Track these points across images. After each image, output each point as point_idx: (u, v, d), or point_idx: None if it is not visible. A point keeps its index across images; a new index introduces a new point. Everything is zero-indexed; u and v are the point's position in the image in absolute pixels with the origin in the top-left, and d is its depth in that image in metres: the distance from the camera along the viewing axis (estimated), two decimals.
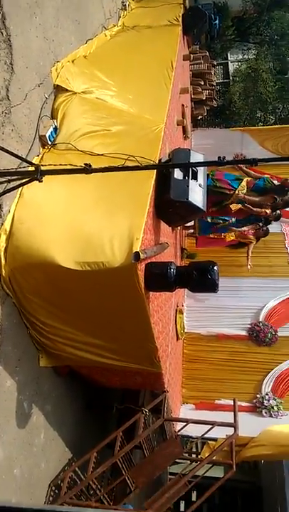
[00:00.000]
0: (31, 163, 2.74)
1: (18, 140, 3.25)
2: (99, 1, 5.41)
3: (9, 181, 2.66)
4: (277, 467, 8.68)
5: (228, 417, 4.50)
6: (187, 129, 7.19)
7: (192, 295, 6.75)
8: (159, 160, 3.84)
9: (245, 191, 6.15)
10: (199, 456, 4.87)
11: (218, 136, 9.54)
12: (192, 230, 7.06)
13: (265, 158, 2.59)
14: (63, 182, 3.15)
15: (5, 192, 2.69)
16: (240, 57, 14.35)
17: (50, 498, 3.61)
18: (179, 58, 5.77)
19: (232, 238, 6.49)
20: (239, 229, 6.45)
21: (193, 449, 5.64)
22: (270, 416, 5.70)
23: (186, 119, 7.12)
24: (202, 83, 9.08)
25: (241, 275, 7.26)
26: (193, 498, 7.89)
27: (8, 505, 1.19)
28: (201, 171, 4.00)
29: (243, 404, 5.70)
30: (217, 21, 9.90)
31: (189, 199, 3.76)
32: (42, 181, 2.30)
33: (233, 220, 6.41)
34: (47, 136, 3.57)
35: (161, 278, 3.25)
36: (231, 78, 14.21)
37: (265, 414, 5.71)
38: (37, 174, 2.28)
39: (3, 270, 3.05)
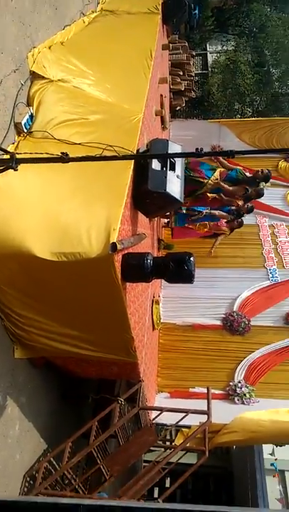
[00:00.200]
0: (6, 151, 2.67)
1: None
2: None
3: None
4: (248, 452, 8.98)
5: (202, 404, 4.60)
6: (165, 119, 7.16)
7: (168, 285, 6.80)
8: (137, 150, 3.81)
9: (217, 181, 6.24)
10: (173, 444, 4.96)
11: (196, 127, 9.55)
12: (167, 220, 7.09)
13: (242, 150, 2.63)
14: (39, 171, 3.09)
15: None
16: (219, 48, 14.35)
17: (25, 489, 3.61)
18: (158, 48, 5.72)
19: (206, 229, 6.57)
20: (213, 220, 6.53)
21: (168, 437, 5.74)
22: (243, 403, 5.85)
23: (165, 110, 7.09)
24: (181, 74, 9.05)
25: (216, 266, 7.38)
26: (167, 485, 8.06)
27: None
28: (178, 162, 4.01)
29: (217, 392, 5.82)
30: (197, 11, 9.84)
31: (167, 190, 3.77)
32: (17, 170, 2.25)
33: (207, 211, 6.46)
34: (22, 123, 3.48)
35: (138, 269, 3.26)
36: (210, 69, 14.21)
37: (237, 402, 5.85)
38: (12, 162, 2.23)
39: None
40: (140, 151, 3.88)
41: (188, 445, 4.41)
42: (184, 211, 6.43)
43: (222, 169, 6.34)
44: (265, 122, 9.45)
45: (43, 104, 3.69)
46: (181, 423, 4.39)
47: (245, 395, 5.90)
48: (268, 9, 13.38)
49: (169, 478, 7.28)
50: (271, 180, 8.12)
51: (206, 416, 4.36)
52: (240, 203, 6.25)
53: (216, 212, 6.30)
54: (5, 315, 3.28)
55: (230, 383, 6.04)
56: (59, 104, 3.78)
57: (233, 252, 7.65)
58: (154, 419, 4.67)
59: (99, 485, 4.02)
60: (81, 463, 4.11)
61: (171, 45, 8.19)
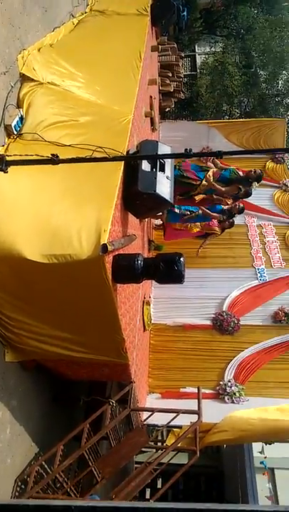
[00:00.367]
0: None
1: None
2: None
3: None
4: (239, 451, 9.05)
5: (193, 404, 4.62)
6: (155, 120, 7.19)
7: (159, 286, 6.83)
8: (127, 151, 3.82)
9: (212, 180, 6.30)
10: (165, 444, 4.98)
11: (186, 128, 9.61)
12: (159, 220, 7.11)
13: (230, 151, 2.66)
14: (30, 173, 3.08)
15: None
16: (208, 49, 14.44)
17: (17, 494, 3.58)
18: (147, 49, 5.74)
19: (198, 229, 6.62)
20: (205, 220, 6.58)
21: (159, 437, 5.75)
22: (232, 402, 5.89)
23: (154, 111, 7.11)
24: (170, 75, 9.08)
25: (206, 266, 7.43)
26: (159, 485, 8.08)
27: None
28: (168, 163, 4.02)
29: (207, 391, 5.85)
30: (185, 13, 9.88)
31: (157, 191, 3.78)
32: (7, 172, 2.24)
33: (200, 212, 6.51)
34: (12, 125, 3.46)
35: (128, 270, 3.26)
36: (199, 71, 14.29)
37: (227, 401, 5.89)
38: (2, 165, 2.22)
39: None
40: (130, 152, 3.89)
41: (179, 445, 4.43)
42: (177, 211, 6.46)
43: (215, 169, 6.40)
44: (252, 123, 9.56)
45: (32, 106, 3.67)
46: (172, 423, 4.41)
47: (234, 393, 5.95)
48: (255, 11, 13.53)
49: (160, 479, 7.30)
50: None
51: (196, 416, 4.39)
52: (230, 201, 6.32)
53: (210, 212, 6.35)
54: None
55: (221, 382, 6.08)
56: (49, 106, 3.77)
57: (223, 252, 7.71)
58: (145, 420, 4.68)
59: (91, 487, 4.01)
60: (73, 466, 4.10)
61: (160, 46, 8.21)
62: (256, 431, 5.15)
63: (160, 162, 3.88)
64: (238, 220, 7.29)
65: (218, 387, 6.06)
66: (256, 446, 8.85)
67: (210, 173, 6.26)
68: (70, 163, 2.53)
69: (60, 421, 4.59)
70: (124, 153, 3.68)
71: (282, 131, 9.41)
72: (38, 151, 2.76)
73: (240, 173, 6.34)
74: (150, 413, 4.58)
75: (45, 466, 3.80)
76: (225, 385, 6.03)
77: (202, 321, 6.80)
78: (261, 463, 8.83)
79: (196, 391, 4.85)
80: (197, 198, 6.42)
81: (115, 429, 4.26)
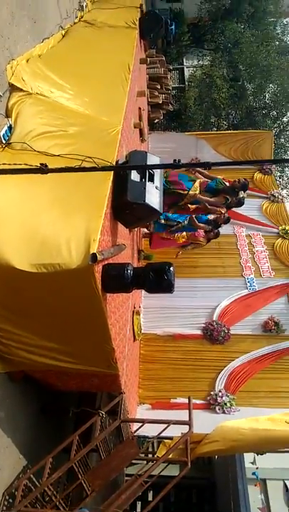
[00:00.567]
0: None
1: None
2: (55, 0, 5.34)
3: None
4: (230, 462, 8.99)
5: (183, 415, 4.59)
6: (144, 131, 7.26)
7: (149, 296, 6.82)
8: (116, 162, 3.85)
9: (198, 192, 6.37)
10: (155, 456, 4.92)
11: (174, 139, 9.74)
12: (147, 230, 7.14)
13: (218, 162, 2.70)
14: (18, 182, 3.07)
15: None
16: (196, 62, 14.71)
17: (4, 508, 3.49)
18: (135, 61, 5.83)
19: (184, 240, 6.65)
20: (191, 231, 6.63)
21: (150, 449, 5.68)
22: (223, 412, 5.86)
23: (143, 122, 7.19)
24: (158, 87, 9.23)
25: (196, 276, 7.46)
26: (150, 498, 7.96)
27: None
28: (157, 174, 4.06)
29: (198, 401, 5.82)
30: (173, 27, 10.09)
31: (146, 201, 3.80)
32: None
33: (186, 222, 6.56)
34: (1, 135, 3.47)
35: (118, 279, 3.26)
36: (187, 83, 14.53)
37: (218, 411, 5.86)
38: None
39: None
40: (119, 162, 3.92)
41: (170, 457, 4.38)
42: (163, 221, 6.49)
43: (202, 180, 6.48)
44: (240, 135, 9.74)
45: (21, 116, 3.69)
46: (163, 434, 4.36)
47: (226, 404, 5.93)
48: (242, 26, 13.85)
49: (151, 492, 7.21)
50: (248, 191, 8.37)
51: (187, 426, 4.36)
52: (223, 210, 6.40)
53: (198, 223, 6.40)
54: None
55: (211, 393, 6.06)
56: (38, 117, 3.79)
57: (212, 262, 7.76)
58: (135, 431, 4.62)
59: (80, 501, 3.94)
60: (62, 479, 4.02)
61: (148, 59, 8.36)
62: (247, 441, 5.13)
63: (149, 172, 3.91)
64: (227, 230, 7.37)
65: (209, 398, 6.03)
66: (248, 457, 8.80)
67: (196, 183, 6.33)
68: (59, 172, 2.54)
69: (49, 433, 4.52)
70: (114, 164, 3.70)
71: (270, 142, 9.59)
72: (26, 161, 2.77)
73: (227, 184, 6.43)
74: (140, 424, 4.53)
75: (34, 479, 3.72)
76: (216, 395, 6.01)
77: (192, 331, 6.80)
78: (253, 474, 8.78)
79: (187, 401, 4.82)
80: (191, 206, 6.48)
81: (105, 440, 4.20)
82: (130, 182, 3.74)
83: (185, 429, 4.39)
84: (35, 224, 3.08)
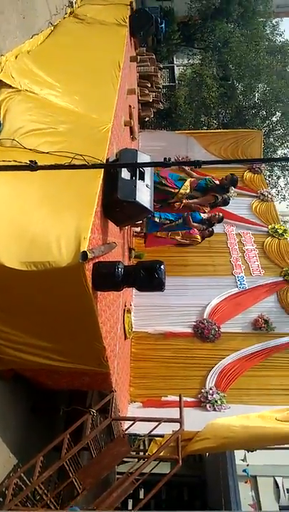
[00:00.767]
0: None
1: None
2: None
3: None
4: (221, 459, 9.05)
5: (174, 413, 4.60)
6: (134, 130, 7.26)
7: (140, 294, 6.83)
8: (107, 159, 3.84)
9: (188, 191, 6.40)
10: (147, 454, 4.93)
11: (165, 138, 9.76)
12: (139, 229, 7.15)
13: (208, 160, 2.71)
14: (7, 179, 3.05)
15: None
16: (186, 61, 14.74)
17: None
18: (126, 59, 5.81)
19: (179, 237, 6.68)
20: (185, 229, 6.67)
21: (141, 447, 5.69)
22: (214, 410, 5.89)
23: (134, 121, 7.18)
24: (149, 85, 9.23)
25: (187, 274, 7.49)
26: (141, 496, 7.97)
27: None
28: (148, 172, 4.06)
29: (189, 399, 5.85)
30: (163, 25, 10.10)
31: (137, 199, 3.80)
32: None
33: (180, 221, 6.59)
34: None
35: (109, 278, 3.26)
36: (177, 82, 14.55)
37: (209, 409, 5.89)
38: None
39: None
40: (110, 160, 3.91)
41: (161, 454, 4.39)
42: (157, 220, 6.51)
43: (192, 179, 6.51)
44: (230, 134, 9.79)
45: (10, 113, 3.66)
46: (154, 432, 4.37)
47: (216, 401, 5.96)
48: (231, 26, 13.92)
49: (142, 489, 7.22)
50: (237, 190, 8.45)
51: (178, 424, 4.37)
52: (207, 209, 6.44)
53: (192, 222, 6.43)
54: None
55: (202, 390, 6.09)
56: (27, 114, 3.76)
57: (203, 261, 7.80)
58: (126, 429, 4.63)
59: (71, 499, 3.93)
60: (53, 477, 4.00)
61: (138, 57, 8.34)
62: (238, 438, 5.15)
63: (140, 171, 3.91)
64: (217, 228, 7.41)
65: (199, 395, 6.06)
66: (239, 454, 8.87)
67: (187, 182, 6.36)
68: (48, 169, 2.52)
69: (40, 431, 4.50)
70: (104, 162, 3.69)
71: (259, 142, 9.67)
72: (16, 158, 2.75)
73: (216, 182, 6.48)
74: (132, 422, 4.54)
75: (24, 478, 3.70)
76: (206, 392, 6.04)
77: (183, 329, 6.82)
78: (244, 471, 8.86)
79: (178, 399, 4.83)
80: (177, 205, 6.50)
81: (96, 439, 4.19)
82: (121, 180, 3.73)
83: (176, 426, 4.40)
84: (24, 222, 3.06)
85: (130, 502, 7.23)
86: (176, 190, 6.36)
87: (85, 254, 2.85)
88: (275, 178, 13.55)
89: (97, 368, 3.64)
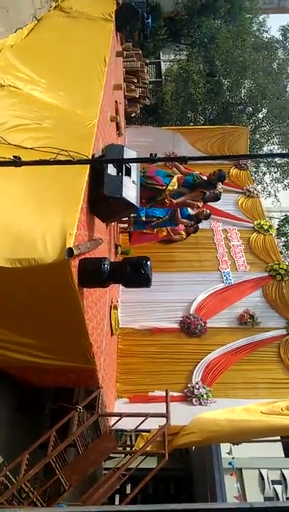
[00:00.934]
0: None
1: None
2: None
3: None
4: (207, 453, 9.14)
5: (161, 408, 4.64)
6: (121, 125, 7.22)
7: (126, 290, 6.83)
8: (93, 155, 3.81)
9: (176, 187, 6.40)
10: (133, 449, 4.95)
11: (151, 134, 9.74)
12: (126, 225, 7.13)
13: (195, 156, 2.72)
14: None
15: None
16: (172, 57, 14.69)
17: None
18: (112, 54, 5.76)
19: (164, 234, 6.69)
20: (171, 225, 6.68)
21: (128, 442, 5.72)
22: (200, 404, 5.95)
23: (120, 116, 7.14)
24: (135, 81, 9.19)
25: (173, 270, 7.51)
26: (128, 491, 8.01)
27: None
28: (134, 168, 4.05)
29: (175, 394, 5.89)
30: (150, 20, 10.04)
31: (123, 195, 3.79)
32: None
33: (167, 217, 6.60)
34: None
35: (95, 274, 3.25)
36: (164, 78, 14.50)
37: (195, 403, 5.95)
38: None
39: None
40: (95, 156, 3.89)
41: (148, 449, 4.42)
42: (144, 219, 6.49)
43: (179, 175, 6.51)
44: (217, 130, 9.83)
45: None
46: (140, 427, 4.39)
47: (202, 395, 6.02)
48: (218, 22, 13.92)
49: (129, 484, 7.25)
50: (224, 186, 8.48)
51: (165, 419, 4.40)
52: (200, 204, 6.46)
53: (180, 218, 6.44)
54: None
55: (188, 385, 6.14)
56: (11, 109, 3.70)
57: (189, 256, 7.83)
58: (113, 425, 4.64)
59: (58, 496, 3.93)
60: (39, 475, 3.99)
61: (125, 52, 8.29)
62: (224, 431, 5.22)
63: (126, 166, 3.89)
64: (204, 224, 7.45)
65: (186, 390, 6.10)
66: (224, 448, 8.98)
67: (174, 179, 6.35)
68: (33, 165, 2.50)
69: (25, 429, 4.47)
70: (90, 157, 3.67)
71: (246, 138, 9.73)
72: None
73: (204, 178, 6.49)
74: (118, 418, 4.55)
75: (10, 476, 3.68)
76: (193, 387, 6.09)
77: (170, 325, 6.85)
78: (229, 463, 8.96)
79: (165, 394, 4.86)
80: (167, 202, 6.50)
81: (83, 435, 4.20)
82: (107, 176, 3.71)
83: (163, 421, 4.43)
84: (9, 219, 3.02)
85: (117, 497, 7.26)
86: (164, 187, 6.36)
87: (70, 250, 2.83)
88: (260, 174, 13.65)
89: (83, 364, 3.63)
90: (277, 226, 11.07)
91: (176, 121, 12.64)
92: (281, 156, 14.03)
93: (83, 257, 3.27)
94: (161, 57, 15.63)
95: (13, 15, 4.55)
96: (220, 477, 8.75)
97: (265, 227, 8.36)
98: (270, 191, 13.42)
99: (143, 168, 6.23)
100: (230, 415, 5.36)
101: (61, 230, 2.95)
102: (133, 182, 3.98)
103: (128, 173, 3.91)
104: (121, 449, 5.16)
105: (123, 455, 5.00)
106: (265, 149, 13.24)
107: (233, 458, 8.82)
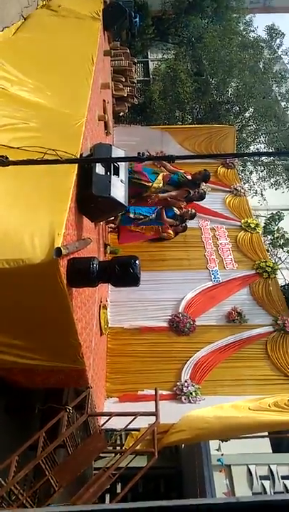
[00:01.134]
0: None
1: None
2: None
3: None
4: (196, 450, 9.22)
5: (151, 406, 4.65)
6: (109, 124, 7.20)
7: (116, 290, 6.82)
8: (81, 154, 3.80)
9: (161, 185, 6.45)
10: (123, 448, 4.96)
11: (139, 133, 9.73)
12: (113, 225, 7.13)
13: (182, 155, 2.73)
14: None
15: None
16: (160, 56, 14.70)
17: None
18: (99, 53, 5.74)
19: (152, 232, 6.70)
20: (159, 224, 6.70)
21: (118, 442, 5.72)
22: (189, 402, 5.97)
23: (108, 115, 7.13)
24: (123, 80, 9.16)
25: (162, 269, 7.53)
26: (118, 490, 8.02)
27: None
28: (122, 167, 4.05)
29: (164, 392, 5.90)
30: (137, 19, 10.02)
31: (111, 194, 3.79)
32: None
33: (154, 216, 6.62)
34: None
35: (83, 274, 3.24)
36: (151, 77, 14.50)
37: (184, 401, 5.97)
38: None
39: None
40: (83, 155, 3.87)
41: (137, 448, 4.43)
42: (132, 215, 6.50)
43: (165, 173, 6.55)
44: (204, 129, 9.87)
45: None
46: (130, 426, 4.40)
47: (191, 393, 6.05)
48: (205, 21, 13.97)
49: (120, 484, 7.27)
50: (211, 185, 8.54)
51: (154, 417, 4.42)
52: (183, 204, 6.51)
53: (165, 217, 6.47)
54: None
55: (178, 383, 6.16)
56: None
57: (178, 255, 7.86)
58: (103, 424, 4.64)
59: (48, 497, 3.91)
60: (29, 476, 3.97)
61: (112, 51, 8.26)
62: (212, 429, 5.26)
63: (114, 166, 3.89)
64: (192, 223, 7.48)
65: (175, 388, 6.13)
66: (213, 444, 9.06)
67: (160, 177, 6.40)
68: (20, 165, 2.48)
69: (14, 431, 4.44)
70: (78, 156, 3.65)
71: (233, 137, 9.79)
72: None
73: (188, 177, 6.55)
74: (108, 418, 4.55)
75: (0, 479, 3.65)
76: (182, 385, 6.12)
77: (159, 323, 6.87)
78: (218, 460, 9.05)
79: (154, 393, 4.88)
80: (151, 198, 6.53)
81: (72, 436, 4.19)
82: (95, 175, 3.71)
83: (152, 420, 4.45)
84: None
85: (107, 497, 7.26)
86: (150, 184, 6.40)
87: (59, 250, 2.82)
88: (247, 173, 13.75)
89: (72, 364, 3.62)
90: (263, 224, 11.16)
91: (164, 120, 12.65)
92: (267, 154, 14.14)
93: (72, 256, 3.26)
94: (149, 56, 15.62)
95: None
96: (209, 474, 8.83)
97: (252, 226, 8.43)
98: (256, 190, 13.54)
99: (130, 164, 6.25)
100: (218, 412, 5.41)
101: (49, 229, 2.94)
102: (121, 181, 3.98)
103: (116, 173, 3.91)
104: (111, 448, 5.16)
105: (113, 454, 4.99)
106: (252, 148, 13.35)
107: (222, 455, 8.92)
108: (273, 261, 8.69)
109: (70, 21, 6.10)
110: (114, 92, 8.99)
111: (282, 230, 11.07)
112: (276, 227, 11.22)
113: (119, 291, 6.83)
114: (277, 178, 13.46)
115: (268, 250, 8.98)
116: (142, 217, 6.64)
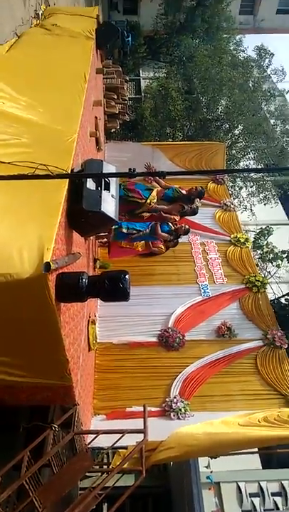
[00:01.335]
0: None
1: None
2: (9, 7, 5.24)
3: None
4: (185, 467, 9.08)
5: (139, 423, 4.57)
6: (100, 141, 7.28)
7: (105, 305, 6.77)
8: (72, 170, 3.82)
9: (155, 200, 6.50)
10: (110, 467, 4.86)
11: (131, 149, 9.84)
12: (105, 240, 7.13)
13: (172, 171, 2.77)
14: None
15: None
16: (152, 74, 15.00)
17: None
18: (92, 71, 5.83)
19: (143, 248, 6.72)
20: (151, 239, 6.72)
21: (105, 460, 5.60)
22: (178, 418, 5.90)
23: (99, 132, 7.20)
24: (115, 97, 9.30)
25: (151, 283, 7.52)
26: (105, 511, 7.83)
27: None
28: (113, 182, 4.08)
29: (153, 409, 5.83)
30: (130, 38, 10.27)
31: (102, 209, 3.81)
32: None
33: (147, 230, 6.64)
34: None
35: (72, 288, 3.23)
36: (143, 94, 14.77)
37: (173, 417, 5.89)
38: None
39: None
40: (75, 170, 3.90)
41: (125, 466, 4.35)
42: (125, 230, 6.52)
43: (159, 188, 6.62)
44: (194, 146, 10.03)
45: None
46: (117, 444, 4.32)
47: (180, 409, 5.98)
48: (196, 41, 14.35)
49: (106, 504, 7.10)
50: (202, 201, 8.62)
51: (142, 435, 4.35)
52: (177, 218, 6.56)
53: (160, 232, 6.51)
54: None
55: (167, 399, 6.09)
56: None
57: (167, 270, 7.86)
58: (89, 443, 4.55)
59: None
60: (12, 497, 3.86)
61: (105, 69, 8.40)
62: (202, 445, 5.18)
63: (105, 181, 3.93)
64: (182, 238, 7.52)
65: (164, 404, 6.05)
66: (202, 461, 8.94)
67: (154, 192, 6.45)
68: (10, 179, 2.48)
69: None
70: (69, 172, 3.67)
71: (222, 154, 9.94)
72: None
73: (183, 192, 6.61)
74: (95, 436, 4.47)
75: None
76: (171, 401, 6.04)
77: (148, 338, 6.81)
78: (207, 477, 8.93)
79: (142, 410, 4.81)
80: (145, 216, 6.57)
81: (58, 455, 4.09)
82: (86, 190, 3.73)
83: (140, 437, 4.38)
84: None
85: None
86: (143, 201, 6.45)
87: (48, 265, 2.81)
88: (237, 188, 13.97)
89: (59, 381, 3.57)
90: (253, 239, 11.29)
91: (155, 136, 12.84)
92: (256, 171, 14.42)
93: (61, 271, 3.24)
94: (141, 75, 15.95)
95: None
96: (198, 492, 8.69)
97: (242, 240, 8.51)
98: (246, 205, 13.72)
99: (123, 181, 6.29)
100: (208, 428, 5.34)
101: (38, 244, 2.93)
102: (112, 196, 4.01)
103: (107, 188, 3.94)
104: (97, 467, 5.05)
105: (99, 473, 4.88)
106: (242, 164, 13.58)
107: (211, 472, 8.80)
108: (263, 275, 8.75)
109: (64, 39, 6.21)
110: (106, 109, 9.12)
111: (271, 244, 11.19)
112: (265, 242, 11.33)
113: (109, 306, 6.79)
114: (266, 193, 13.71)
115: (257, 265, 9.05)
116: (134, 232, 6.66)
